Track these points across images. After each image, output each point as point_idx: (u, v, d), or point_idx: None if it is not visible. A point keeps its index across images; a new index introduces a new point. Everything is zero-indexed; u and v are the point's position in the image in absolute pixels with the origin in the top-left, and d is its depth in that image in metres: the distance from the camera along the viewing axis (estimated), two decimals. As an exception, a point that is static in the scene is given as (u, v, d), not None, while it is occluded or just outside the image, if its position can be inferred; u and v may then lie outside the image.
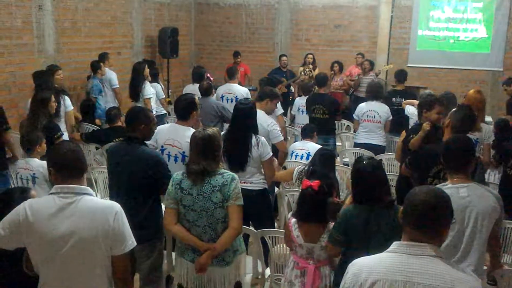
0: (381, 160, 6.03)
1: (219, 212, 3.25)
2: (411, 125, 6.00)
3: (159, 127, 4.63)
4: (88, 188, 2.61)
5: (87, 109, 7.67)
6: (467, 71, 10.85)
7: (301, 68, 10.17)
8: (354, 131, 7.35)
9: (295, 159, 5.64)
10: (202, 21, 12.73)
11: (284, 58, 10.44)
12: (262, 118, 4.88)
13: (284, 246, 3.80)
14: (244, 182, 4.43)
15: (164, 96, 8.53)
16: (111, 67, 8.51)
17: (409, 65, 10.69)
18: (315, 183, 3.36)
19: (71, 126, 6.20)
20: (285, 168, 5.45)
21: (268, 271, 4.03)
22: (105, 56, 8.40)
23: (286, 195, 4.94)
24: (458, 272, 2.02)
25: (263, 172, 4.56)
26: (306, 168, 4.46)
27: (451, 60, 10.80)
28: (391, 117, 6.90)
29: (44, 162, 3.32)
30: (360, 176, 3.24)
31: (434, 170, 4.05)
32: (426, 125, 4.58)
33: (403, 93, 7.59)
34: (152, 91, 7.52)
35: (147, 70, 7.60)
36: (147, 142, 4.09)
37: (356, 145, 6.89)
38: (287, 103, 9.11)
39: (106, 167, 4.12)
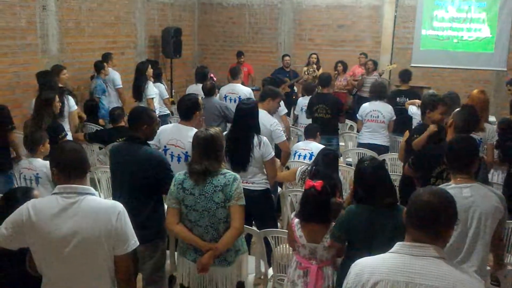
0: (384, 160, 6.03)
1: (221, 212, 3.25)
2: (415, 125, 5.99)
3: (162, 127, 4.64)
4: (91, 188, 2.62)
5: (91, 109, 7.68)
6: (471, 71, 10.82)
7: (305, 68, 10.16)
8: (358, 131, 7.34)
9: (298, 159, 5.63)
10: (206, 21, 12.73)
11: (287, 58, 10.44)
12: (265, 118, 4.88)
13: (287, 246, 3.80)
14: (246, 182, 4.43)
15: (168, 96, 8.54)
16: (114, 67, 8.52)
17: (412, 65, 10.67)
18: (318, 184, 3.36)
19: (74, 126, 6.22)
20: (288, 168, 5.45)
21: (271, 271, 4.03)
22: (108, 56, 8.41)
23: (289, 195, 4.94)
24: (461, 273, 2.01)
25: (265, 172, 4.56)
26: (309, 168, 4.45)
27: (454, 60, 10.78)
28: (394, 117, 6.89)
29: (47, 162, 3.33)
30: (361, 176, 3.25)
31: (437, 170, 4.04)
32: (432, 127, 4.57)
33: (407, 93, 7.57)
34: (155, 91, 7.53)
35: (150, 70, 7.61)
36: (150, 142, 4.10)
37: (360, 145, 6.88)
38: (290, 103, 9.10)
39: (109, 167, 4.13)
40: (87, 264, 2.51)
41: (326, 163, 4.31)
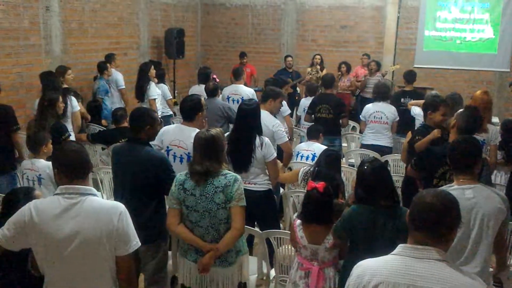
0: (386, 161, 6.04)
1: (222, 213, 3.25)
2: (417, 126, 5.98)
3: (164, 128, 4.64)
4: (93, 188, 2.62)
5: (94, 109, 7.69)
6: (474, 71, 10.81)
7: (309, 69, 10.16)
8: (361, 132, 7.32)
9: (301, 160, 5.63)
10: (208, 22, 12.75)
11: (289, 58, 10.44)
12: (267, 118, 4.88)
13: (289, 247, 3.80)
14: (249, 183, 4.44)
15: (171, 97, 8.54)
16: (117, 68, 8.54)
17: (415, 65, 10.65)
18: (320, 185, 3.35)
19: (77, 126, 6.22)
20: (290, 169, 5.44)
21: (273, 272, 4.03)
22: (111, 57, 8.43)
23: (291, 196, 4.93)
24: (464, 276, 2.00)
25: (267, 173, 4.56)
26: (311, 169, 4.45)
27: (457, 61, 10.76)
28: (398, 118, 6.88)
29: (50, 163, 3.33)
30: (361, 177, 3.25)
31: (440, 171, 4.03)
32: (436, 132, 4.57)
33: (412, 94, 7.56)
34: (158, 91, 7.54)
35: (153, 71, 7.63)
36: (152, 142, 4.10)
37: (363, 146, 6.87)
38: (293, 103, 9.11)
39: (111, 167, 4.13)
40: (89, 265, 2.51)
41: (329, 164, 4.31)
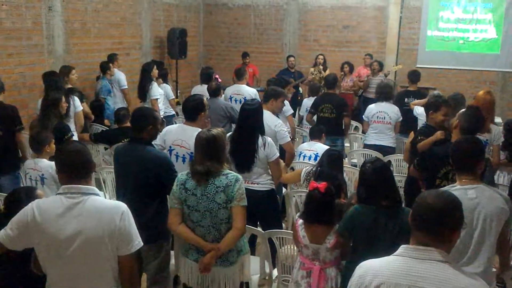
0: (389, 161, 6.03)
1: (223, 213, 3.25)
2: (420, 126, 5.97)
3: (167, 128, 4.65)
4: (95, 188, 2.62)
5: (96, 109, 7.70)
6: (476, 72, 10.79)
7: (312, 69, 10.16)
8: (363, 132, 7.32)
9: (303, 160, 5.63)
10: (211, 22, 12.75)
11: (291, 58, 10.43)
12: (269, 118, 4.88)
13: (292, 247, 3.80)
14: (252, 183, 4.44)
15: (173, 97, 8.55)
16: (120, 68, 8.55)
17: (418, 65, 10.64)
18: (322, 185, 3.35)
19: (80, 126, 6.23)
20: (293, 169, 5.44)
21: (275, 272, 4.03)
22: (114, 57, 8.44)
23: (294, 196, 4.93)
24: (466, 278, 1.99)
25: (270, 173, 4.56)
26: (313, 169, 4.45)
27: (460, 61, 10.75)
28: (401, 118, 6.87)
29: (53, 163, 3.33)
30: (363, 177, 3.25)
31: (442, 171, 4.03)
32: (439, 134, 4.56)
33: (415, 94, 7.54)
34: (160, 91, 7.54)
35: (155, 71, 7.63)
36: (154, 142, 4.10)
37: (366, 146, 6.86)
38: (296, 103, 9.10)
39: (113, 167, 4.14)
40: (91, 264, 2.51)
41: (331, 163, 4.31)
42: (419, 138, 4.82)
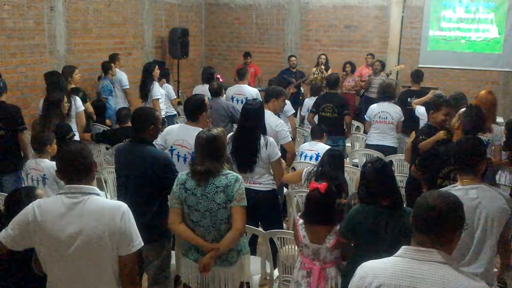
0: (391, 161, 6.02)
1: (223, 213, 3.25)
2: (422, 125, 5.96)
3: (168, 127, 4.65)
4: (96, 188, 2.62)
5: (98, 109, 7.70)
6: (478, 71, 10.77)
7: (314, 69, 10.15)
8: (365, 133, 7.31)
9: (304, 160, 5.63)
10: (212, 22, 12.75)
11: (293, 58, 10.42)
12: (270, 119, 4.88)
13: (293, 247, 3.80)
14: (254, 183, 4.44)
15: (175, 97, 8.55)
16: (121, 67, 8.56)
17: (420, 65, 10.62)
18: (322, 186, 3.35)
19: (82, 126, 6.24)
20: (294, 169, 5.44)
21: (276, 272, 4.03)
22: (115, 56, 8.44)
23: (295, 196, 4.93)
24: (467, 279, 1.98)
25: (272, 173, 4.56)
26: (315, 169, 4.45)
27: (462, 61, 10.73)
28: (403, 118, 6.86)
29: (54, 163, 3.34)
30: (363, 177, 3.25)
31: (444, 171, 4.03)
32: (442, 134, 4.56)
33: (418, 93, 7.53)
34: (161, 91, 7.54)
35: (156, 71, 7.63)
36: (156, 142, 4.11)
37: (368, 146, 6.85)
38: (297, 103, 9.10)
39: (114, 167, 4.14)
40: (91, 264, 2.51)
41: (332, 163, 4.30)
42: (421, 137, 4.82)
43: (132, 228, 2.54)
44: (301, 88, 10.26)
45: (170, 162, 3.83)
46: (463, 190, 3.07)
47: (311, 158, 5.60)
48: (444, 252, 2.02)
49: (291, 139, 5.15)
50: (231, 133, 4.69)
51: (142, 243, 2.59)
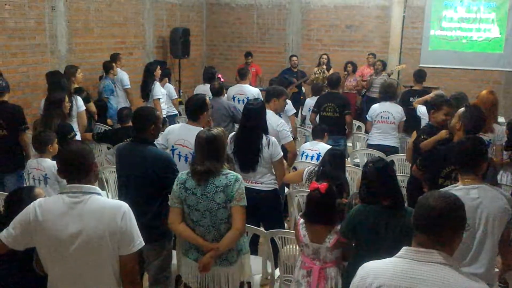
0: (392, 161, 6.02)
1: (222, 213, 3.26)
2: (423, 125, 5.96)
3: (170, 127, 4.65)
4: (97, 187, 2.62)
5: (99, 109, 7.71)
6: (480, 71, 10.75)
7: (316, 69, 10.15)
8: (367, 132, 7.30)
9: (305, 159, 5.63)
10: (214, 21, 12.75)
11: (294, 58, 10.42)
12: (272, 118, 4.88)
13: (294, 247, 3.80)
14: (255, 183, 4.44)
15: (176, 96, 8.55)
16: (123, 67, 8.56)
17: (421, 65, 10.59)
18: (322, 186, 3.34)
19: (83, 126, 6.24)
20: (295, 168, 5.44)
21: (277, 272, 4.02)
22: (117, 56, 8.44)
23: (296, 196, 4.93)
24: (468, 280, 1.97)
25: (274, 173, 4.55)
26: (316, 169, 4.45)
27: (464, 60, 10.72)
28: (404, 118, 6.85)
29: (55, 163, 3.36)
30: (366, 177, 3.24)
31: (445, 171, 4.02)
32: (444, 133, 4.55)
33: (421, 93, 7.50)
34: (162, 91, 7.54)
35: (158, 71, 7.63)
36: (157, 142, 4.11)
37: (370, 146, 6.84)
38: (298, 103, 9.09)
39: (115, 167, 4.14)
40: (92, 264, 2.51)
41: (333, 162, 4.30)
42: (422, 137, 4.82)
43: (133, 228, 2.54)
44: (303, 88, 10.25)
45: (171, 162, 3.83)
46: (464, 190, 3.07)
47: (312, 157, 5.60)
48: (444, 253, 2.01)
49: (292, 139, 5.15)
50: (233, 133, 4.69)
51: (143, 243, 2.59)
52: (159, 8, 10.90)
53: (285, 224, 5.11)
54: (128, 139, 5.40)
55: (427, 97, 6.69)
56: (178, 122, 6.97)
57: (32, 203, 2.57)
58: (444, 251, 2.01)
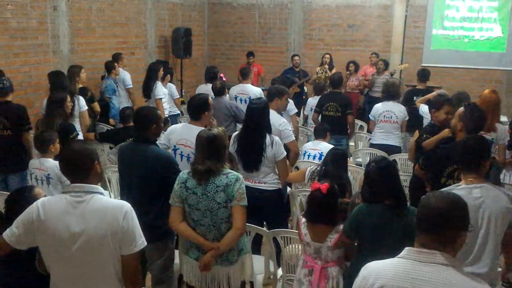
0: (394, 160, 6.01)
1: (223, 212, 3.26)
2: (425, 124, 5.95)
3: (172, 127, 4.65)
4: (99, 187, 2.62)
5: (101, 109, 7.72)
6: (482, 70, 10.73)
7: (318, 68, 10.14)
8: (369, 132, 7.30)
9: (308, 159, 5.62)
10: (215, 21, 12.76)
11: (296, 57, 10.42)
12: (274, 118, 4.87)
13: (296, 246, 3.80)
14: (259, 182, 4.44)
15: (178, 96, 8.56)
16: (124, 67, 8.56)
17: (423, 64, 10.56)
18: (324, 186, 3.34)
19: (85, 126, 6.25)
20: (297, 168, 5.44)
21: (280, 271, 4.02)
22: (119, 56, 8.45)
23: (299, 195, 4.93)
24: (471, 281, 1.96)
25: (277, 172, 4.55)
26: (318, 169, 4.44)
27: (466, 60, 10.69)
28: (407, 117, 6.84)
29: (58, 163, 3.35)
30: (368, 176, 3.24)
31: (447, 170, 4.01)
32: (447, 132, 4.54)
33: (424, 92, 7.49)
34: (164, 91, 7.54)
35: (161, 72, 7.63)
36: (159, 142, 4.10)
37: (372, 145, 6.84)
38: (301, 102, 9.09)
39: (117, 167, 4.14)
40: (94, 263, 2.51)
41: (335, 162, 4.30)
42: (424, 136, 4.81)
43: (135, 228, 2.54)
44: (305, 88, 10.25)
45: (173, 162, 3.83)
46: (466, 189, 3.06)
47: (314, 157, 5.60)
48: (447, 254, 2.00)
49: (294, 138, 5.15)
50: (236, 132, 4.69)
51: (145, 243, 2.59)
52: (160, 8, 10.90)
53: (288, 224, 5.11)
54: (130, 139, 5.41)
55: (429, 96, 6.68)
56: (180, 122, 6.97)
57: (35, 203, 2.57)
58: (447, 251, 2.01)
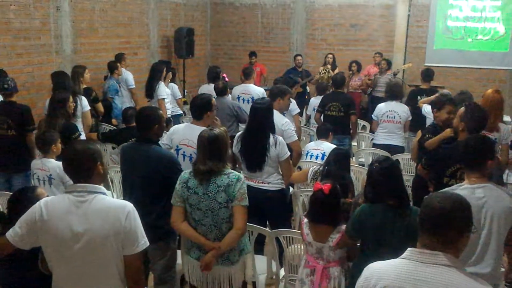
0: (397, 160, 6.00)
1: (224, 212, 3.26)
2: (428, 124, 5.94)
3: (174, 127, 4.65)
4: (102, 187, 2.62)
5: (104, 109, 7.72)
6: (485, 70, 10.70)
7: (321, 68, 10.13)
8: (372, 132, 7.29)
9: (310, 159, 5.62)
10: (218, 21, 12.76)
11: (299, 57, 10.41)
12: (276, 117, 4.85)
13: (299, 246, 3.79)
14: (262, 182, 4.44)
15: (181, 96, 8.56)
16: (127, 67, 8.57)
17: (426, 64, 10.54)
18: (326, 187, 3.33)
19: (88, 126, 6.25)
20: (300, 168, 5.43)
21: (282, 272, 4.02)
22: (121, 56, 8.46)
23: (301, 195, 4.92)
24: (473, 283, 1.95)
25: (280, 172, 4.55)
26: (320, 169, 4.43)
27: (469, 59, 10.66)
28: (410, 117, 6.83)
29: (60, 163, 3.34)
30: (371, 176, 3.23)
31: (450, 170, 4.00)
32: (449, 131, 4.53)
33: (428, 92, 7.48)
34: (167, 91, 7.54)
35: (164, 72, 7.63)
36: (161, 142, 4.11)
37: (375, 145, 6.82)
38: (303, 102, 9.09)
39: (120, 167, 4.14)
40: (96, 263, 2.52)
41: (338, 162, 4.28)
42: (427, 136, 4.80)
43: (137, 228, 2.54)
44: (307, 88, 10.24)
45: (176, 162, 3.84)
46: (469, 189, 3.06)
47: (317, 157, 5.59)
48: (450, 255, 1.99)
49: (297, 138, 5.14)
50: (240, 132, 4.69)
51: (148, 243, 2.59)
52: (163, 8, 10.91)
53: (291, 224, 5.10)
54: (132, 139, 5.41)
55: (433, 97, 6.66)
56: (183, 122, 6.97)
57: (38, 202, 2.58)
58: (450, 252, 2.00)
